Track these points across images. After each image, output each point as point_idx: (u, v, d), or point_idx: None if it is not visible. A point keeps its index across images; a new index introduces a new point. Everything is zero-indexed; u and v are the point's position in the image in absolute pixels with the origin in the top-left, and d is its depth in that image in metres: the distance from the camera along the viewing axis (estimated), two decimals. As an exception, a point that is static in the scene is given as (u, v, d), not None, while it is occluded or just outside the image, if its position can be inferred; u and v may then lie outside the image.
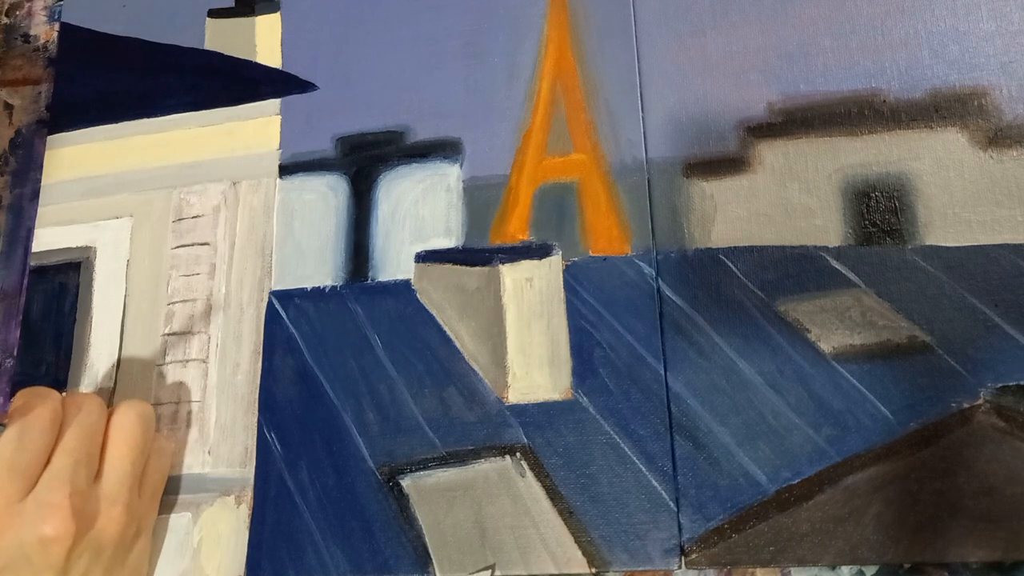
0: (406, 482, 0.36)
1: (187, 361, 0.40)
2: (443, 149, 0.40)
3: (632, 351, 0.36)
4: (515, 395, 0.36)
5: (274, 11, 0.44)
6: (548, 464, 0.35)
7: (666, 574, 0.33)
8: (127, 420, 0.36)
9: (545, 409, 0.36)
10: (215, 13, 0.45)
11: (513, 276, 0.38)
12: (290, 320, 0.39)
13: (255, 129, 0.43)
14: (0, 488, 0.32)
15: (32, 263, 0.43)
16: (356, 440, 0.37)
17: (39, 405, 0.34)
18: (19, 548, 0.32)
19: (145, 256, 0.42)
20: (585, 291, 0.37)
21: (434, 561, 0.35)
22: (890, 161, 0.36)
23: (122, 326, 0.41)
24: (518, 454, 0.36)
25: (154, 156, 0.43)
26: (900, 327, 0.34)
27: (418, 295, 0.39)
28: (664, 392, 0.35)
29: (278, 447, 0.38)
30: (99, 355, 0.41)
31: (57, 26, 0.47)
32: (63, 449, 0.33)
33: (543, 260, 0.38)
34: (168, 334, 0.40)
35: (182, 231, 0.42)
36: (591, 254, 0.37)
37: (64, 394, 0.36)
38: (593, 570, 0.34)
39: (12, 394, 0.41)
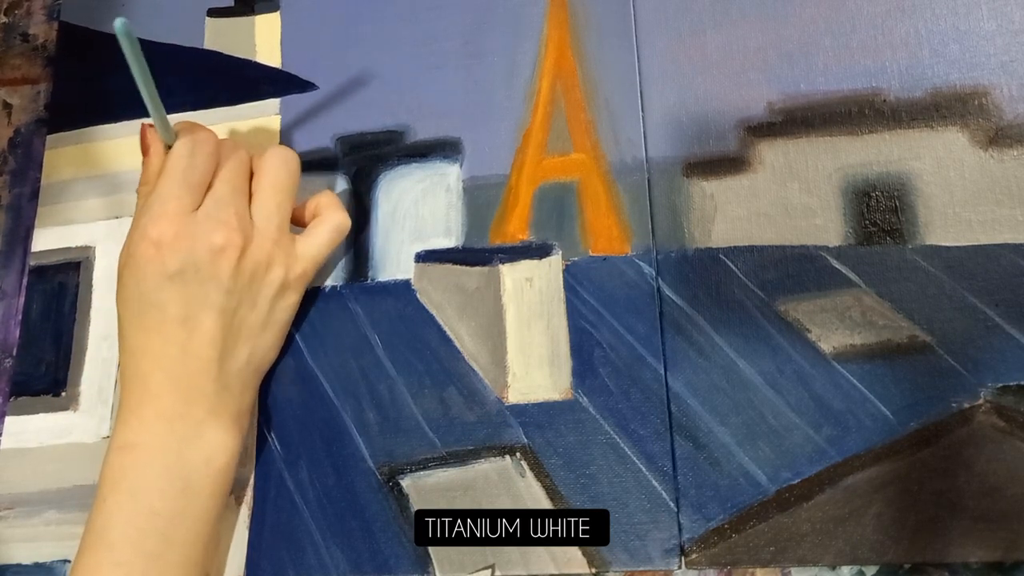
0: (406, 482, 0.36)
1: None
2: (443, 149, 0.40)
3: (632, 351, 0.36)
4: (515, 395, 0.36)
5: (274, 10, 0.44)
6: (548, 464, 0.35)
7: (666, 574, 0.33)
8: (271, 163, 0.37)
9: (545, 409, 0.36)
10: (214, 12, 0.45)
11: (513, 276, 0.38)
12: (290, 320, 0.39)
13: (255, 129, 0.42)
14: (175, 196, 0.35)
15: (31, 263, 0.43)
16: (356, 440, 0.37)
17: (204, 132, 0.37)
18: (191, 254, 0.34)
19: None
20: (585, 291, 0.37)
21: (434, 561, 0.35)
22: (890, 160, 0.36)
23: (122, 326, 0.41)
24: (518, 454, 0.35)
25: (153, 156, 0.43)
26: (900, 327, 0.34)
27: (418, 295, 0.39)
28: (664, 392, 0.35)
29: (278, 447, 0.38)
30: (98, 354, 0.41)
31: (56, 25, 0.47)
32: (222, 178, 0.36)
33: (543, 260, 0.38)
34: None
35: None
36: (591, 254, 0.37)
37: (214, 136, 0.38)
38: (593, 570, 0.34)
39: (11, 395, 0.41)
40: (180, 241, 0.34)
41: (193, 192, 0.35)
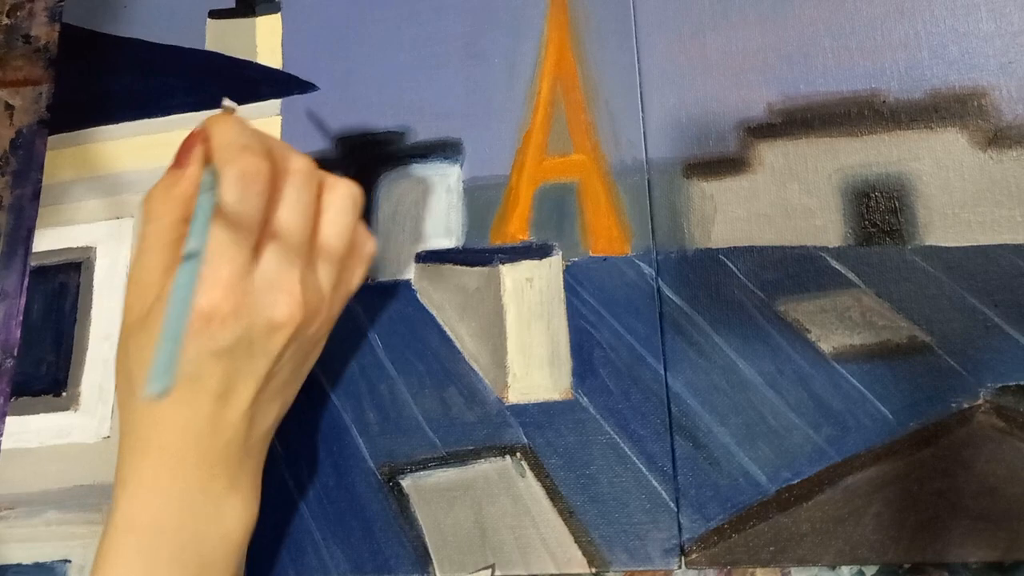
0: (406, 482, 0.36)
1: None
2: (443, 149, 0.40)
3: (632, 351, 0.36)
4: (515, 395, 0.36)
5: (275, 12, 0.44)
6: (548, 464, 0.35)
7: (666, 574, 0.33)
8: (342, 203, 0.31)
9: (545, 409, 0.36)
10: (216, 14, 0.45)
11: (513, 276, 0.38)
12: (290, 320, 0.39)
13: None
14: (230, 257, 0.28)
15: (32, 263, 0.43)
16: (356, 440, 0.37)
17: (252, 160, 0.29)
18: (248, 331, 0.29)
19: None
20: (585, 291, 0.37)
21: (434, 561, 0.35)
22: (890, 161, 0.36)
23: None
24: (518, 454, 0.36)
25: (155, 157, 0.43)
26: (900, 327, 0.34)
27: (418, 295, 0.39)
28: (664, 392, 0.35)
29: (278, 447, 0.38)
30: (99, 355, 0.41)
31: (58, 27, 0.47)
32: (288, 219, 0.30)
33: (543, 260, 0.38)
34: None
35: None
36: (591, 254, 0.37)
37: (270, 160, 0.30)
38: (593, 570, 0.34)
39: (12, 395, 0.41)
40: (237, 316, 0.29)
41: (247, 246, 0.29)
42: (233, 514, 0.31)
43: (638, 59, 0.39)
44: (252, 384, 0.30)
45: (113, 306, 0.41)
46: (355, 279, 0.33)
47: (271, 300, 0.29)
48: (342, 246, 0.32)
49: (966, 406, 0.33)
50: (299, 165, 0.31)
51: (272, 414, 0.32)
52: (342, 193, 0.32)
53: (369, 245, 0.34)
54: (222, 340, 0.29)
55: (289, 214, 0.30)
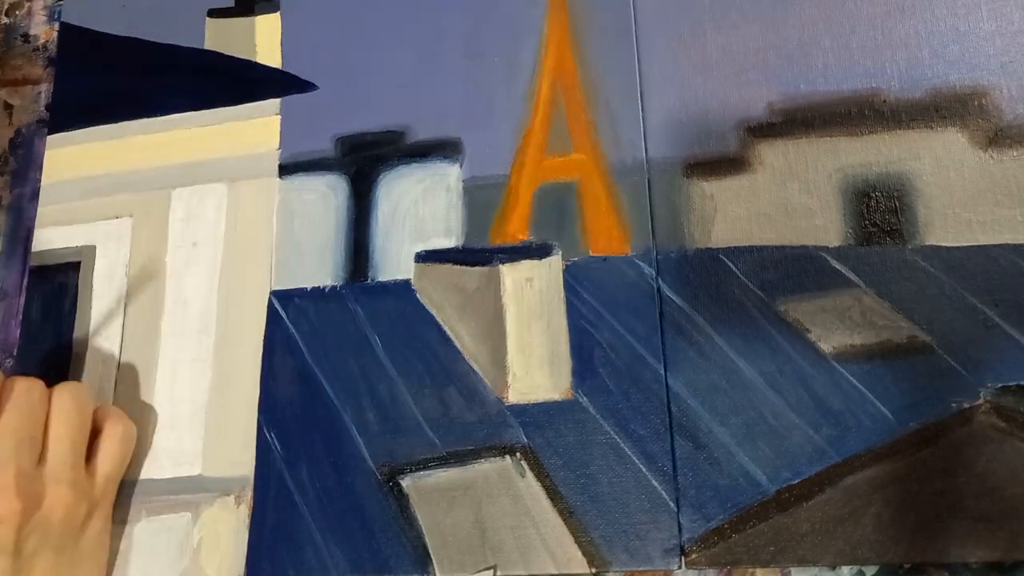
0: (406, 482, 0.36)
1: (187, 361, 0.40)
2: (443, 149, 0.40)
3: (632, 351, 0.36)
4: (515, 395, 0.36)
5: (274, 11, 0.44)
6: (548, 464, 0.35)
7: (666, 574, 0.33)
8: (61, 402, 0.35)
9: (545, 409, 0.36)
10: (215, 13, 0.45)
11: (513, 276, 0.38)
12: (290, 320, 0.39)
13: (255, 129, 0.43)
14: None
15: (32, 263, 0.43)
16: (356, 440, 0.37)
17: None
18: None
19: (145, 256, 0.42)
20: (585, 291, 0.37)
21: (434, 561, 0.35)
22: (890, 161, 0.36)
23: (122, 326, 0.41)
24: (518, 454, 0.35)
25: (154, 156, 0.43)
26: (900, 327, 0.34)
27: (418, 295, 0.39)
28: (664, 392, 0.35)
29: (278, 447, 0.38)
30: (99, 355, 0.41)
31: (57, 26, 0.47)
32: (3, 430, 0.33)
33: (543, 260, 0.38)
34: (168, 334, 0.40)
35: (182, 231, 0.42)
36: (591, 254, 0.37)
37: (2, 378, 0.35)
38: (593, 570, 0.34)
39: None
40: None
41: None
42: None
43: (638, 58, 0.39)
44: None
45: (113, 306, 0.41)
46: (110, 457, 0.36)
47: None
48: (68, 430, 0.35)
49: (966, 406, 0.33)
50: (25, 382, 0.35)
51: None
52: (59, 392, 0.35)
53: (119, 428, 0.37)
54: None
55: (8, 421, 0.33)
